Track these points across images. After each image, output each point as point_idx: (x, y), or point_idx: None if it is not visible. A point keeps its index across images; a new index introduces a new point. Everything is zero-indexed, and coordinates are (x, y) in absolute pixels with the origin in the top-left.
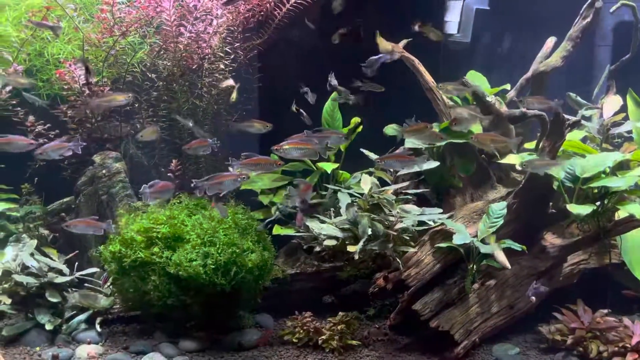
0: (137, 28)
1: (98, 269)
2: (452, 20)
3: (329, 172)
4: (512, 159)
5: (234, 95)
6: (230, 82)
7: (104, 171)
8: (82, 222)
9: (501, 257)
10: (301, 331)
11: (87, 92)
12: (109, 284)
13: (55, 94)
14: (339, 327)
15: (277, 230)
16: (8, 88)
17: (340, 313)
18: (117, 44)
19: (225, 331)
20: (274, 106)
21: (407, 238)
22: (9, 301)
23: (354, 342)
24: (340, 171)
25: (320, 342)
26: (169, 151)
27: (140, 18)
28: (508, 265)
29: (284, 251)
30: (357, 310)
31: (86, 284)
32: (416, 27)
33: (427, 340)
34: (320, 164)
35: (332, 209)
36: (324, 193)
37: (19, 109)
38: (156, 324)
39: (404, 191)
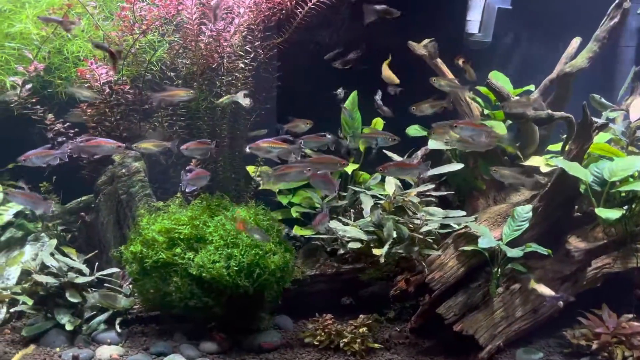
0: (157, 26)
1: (118, 269)
2: (473, 20)
3: (349, 172)
4: (536, 161)
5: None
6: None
7: (123, 170)
8: (23, 195)
9: (543, 288)
10: (322, 333)
11: (108, 90)
12: (127, 283)
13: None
14: (360, 330)
15: (297, 230)
16: (28, 86)
17: (361, 315)
18: (137, 42)
19: (245, 333)
20: (293, 105)
21: (430, 241)
22: (31, 302)
23: (376, 345)
24: (360, 172)
25: (341, 344)
26: None
27: (161, 16)
28: (552, 293)
29: (302, 252)
30: (376, 312)
31: (105, 284)
32: (460, 62)
33: (449, 344)
34: None
35: (351, 210)
36: (344, 194)
37: (38, 107)
38: (175, 325)
39: (428, 193)
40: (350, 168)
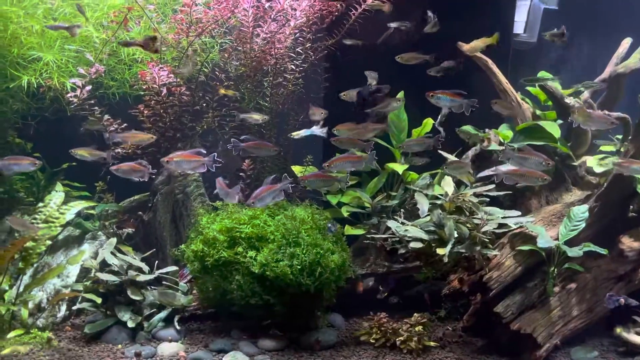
0: (211, 29)
1: (176, 267)
2: (519, 20)
3: (400, 172)
4: (589, 161)
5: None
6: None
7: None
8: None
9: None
10: (378, 332)
11: (165, 91)
12: (185, 281)
13: (125, 92)
14: (416, 328)
15: (348, 230)
16: (88, 88)
17: (415, 314)
18: (194, 44)
19: (302, 330)
20: (340, 106)
21: (487, 240)
22: (99, 300)
23: (432, 344)
24: (408, 172)
25: (398, 342)
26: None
27: (217, 19)
28: None
29: (352, 251)
30: (424, 311)
31: (164, 282)
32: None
33: (502, 343)
34: (390, 165)
35: (401, 209)
36: (393, 194)
37: (95, 108)
38: (232, 323)
39: (484, 193)
40: (400, 168)
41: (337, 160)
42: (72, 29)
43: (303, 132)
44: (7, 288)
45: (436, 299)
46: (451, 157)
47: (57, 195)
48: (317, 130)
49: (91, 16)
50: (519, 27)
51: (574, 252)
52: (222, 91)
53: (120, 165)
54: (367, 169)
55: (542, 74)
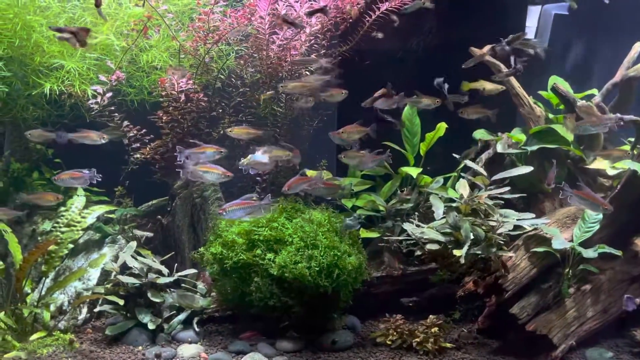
0: (228, 36)
1: (195, 270)
2: (530, 25)
3: (414, 176)
4: (601, 164)
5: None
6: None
7: None
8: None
9: None
10: (394, 333)
11: (183, 97)
12: (203, 284)
13: (143, 99)
14: (432, 330)
15: (363, 233)
16: (109, 94)
17: (430, 316)
18: (211, 51)
19: (319, 332)
20: (354, 112)
21: (502, 242)
22: (121, 302)
23: (448, 345)
24: (422, 175)
25: (414, 344)
26: None
27: (234, 27)
28: None
29: (367, 254)
30: (438, 313)
31: (182, 285)
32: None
33: (517, 344)
34: (405, 169)
35: (415, 212)
36: (407, 197)
37: (115, 114)
38: (249, 324)
39: (498, 195)
40: (415, 172)
41: (294, 182)
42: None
43: (246, 160)
44: (29, 291)
45: (450, 301)
46: (470, 163)
47: (78, 199)
48: (259, 157)
49: (112, 25)
50: (530, 32)
51: (589, 253)
52: (263, 96)
53: (60, 175)
54: (378, 172)
55: (553, 78)
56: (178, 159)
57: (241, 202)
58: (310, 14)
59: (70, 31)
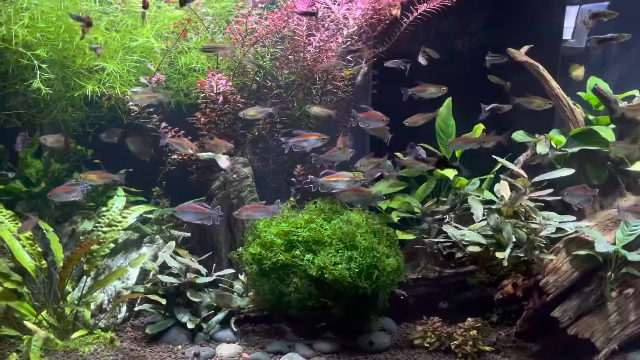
0: (265, 38)
1: (233, 270)
2: (567, 26)
3: (450, 178)
4: None
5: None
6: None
7: (234, 175)
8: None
9: None
10: (432, 336)
11: (221, 99)
12: (240, 285)
13: (179, 101)
14: (470, 333)
15: (399, 235)
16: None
17: (469, 319)
18: (249, 53)
19: (356, 333)
20: (388, 113)
21: (543, 245)
22: (164, 301)
23: (487, 348)
24: (458, 177)
25: (452, 346)
26: (289, 157)
27: (272, 29)
28: None
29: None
30: (474, 316)
31: (220, 284)
32: None
33: (557, 348)
34: (440, 170)
35: (451, 214)
36: (444, 199)
37: (154, 116)
38: (285, 325)
39: (540, 198)
40: (451, 173)
41: (245, 210)
42: (97, 50)
43: (206, 155)
44: (70, 290)
45: (485, 304)
46: (508, 164)
47: (119, 199)
48: (223, 162)
49: (152, 27)
50: (567, 33)
51: (634, 256)
52: (348, 71)
53: (55, 190)
54: (413, 174)
55: (592, 79)
56: (285, 150)
57: (195, 206)
58: (303, 14)
59: (87, 21)
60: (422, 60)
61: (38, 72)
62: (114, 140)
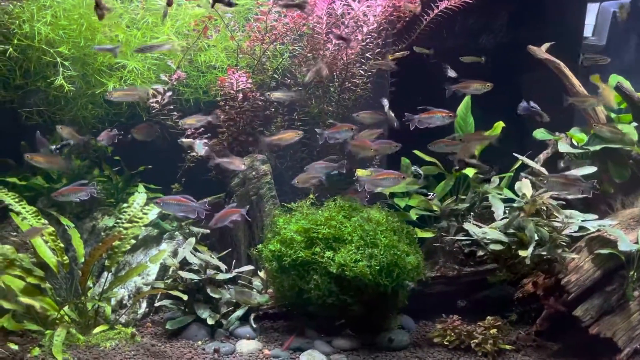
0: (284, 36)
1: (252, 267)
2: (588, 23)
3: (469, 176)
4: None
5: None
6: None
7: (253, 173)
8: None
9: None
10: (452, 334)
11: (241, 96)
12: (259, 282)
13: (197, 99)
14: (490, 331)
15: (418, 233)
16: (169, 94)
17: (488, 317)
18: (268, 51)
19: (375, 331)
20: (407, 109)
21: (564, 244)
22: (185, 297)
23: (507, 347)
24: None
25: (472, 345)
26: (307, 154)
27: (291, 26)
28: None
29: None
30: (493, 315)
31: (240, 281)
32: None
33: (578, 347)
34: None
35: (471, 213)
36: (463, 197)
37: (174, 113)
38: (304, 322)
39: (561, 196)
40: (470, 172)
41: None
42: (114, 50)
43: (187, 140)
44: (90, 285)
45: (504, 303)
46: (530, 162)
47: (140, 196)
48: (200, 147)
49: (172, 25)
50: (587, 30)
51: None
52: (391, 56)
53: (61, 190)
54: (432, 172)
55: (614, 77)
56: (320, 142)
57: (179, 199)
58: (286, 7)
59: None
60: (451, 73)
61: (61, 69)
62: (148, 138)
